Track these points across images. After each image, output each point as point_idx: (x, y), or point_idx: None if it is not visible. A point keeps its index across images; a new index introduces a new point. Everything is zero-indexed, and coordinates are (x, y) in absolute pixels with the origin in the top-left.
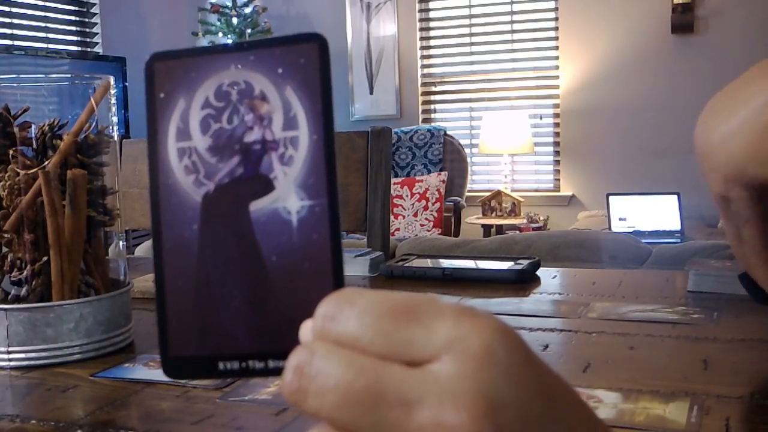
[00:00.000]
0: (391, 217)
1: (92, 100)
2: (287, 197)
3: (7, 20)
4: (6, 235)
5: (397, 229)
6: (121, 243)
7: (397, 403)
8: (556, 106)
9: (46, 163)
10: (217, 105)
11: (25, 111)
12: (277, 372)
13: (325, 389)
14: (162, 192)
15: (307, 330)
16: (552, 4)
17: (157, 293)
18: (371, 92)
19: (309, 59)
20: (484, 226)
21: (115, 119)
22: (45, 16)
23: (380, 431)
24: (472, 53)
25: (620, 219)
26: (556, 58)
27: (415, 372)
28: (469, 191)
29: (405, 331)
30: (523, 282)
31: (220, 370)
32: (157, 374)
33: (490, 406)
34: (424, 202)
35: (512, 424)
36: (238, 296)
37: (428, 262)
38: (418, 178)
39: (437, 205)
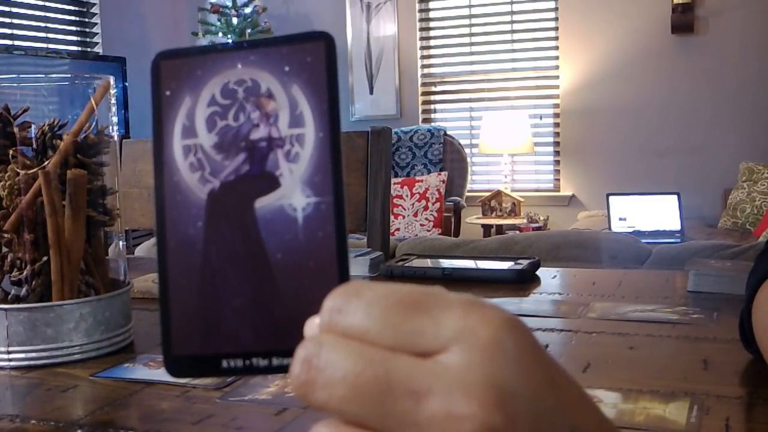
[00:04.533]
0: (391, 217)
1: (92, 100)
2: (293, 194)
3: (7, 20)
4: (6, 235)
5: (397, 229)
6: (121, 243)
7: (406, 394)
8: (556, 106)
9: (46, 163)
10: (224, 102)
11: (25, 111)
12: (281, 370)
13: (333, 381)
14: (167, 189)
15: (311, 326)
16: (552, 4)
17: (161, 291)
18: (371, 92)
19: (316, 57)
20: (484, 226)
21: (115, 119)
22: (45, 16)
23: (389, 423)
24: (472, 53)
25: (620, 219)
26: (556, 58)
27: (424, 363)
28: (469, 191)
29: (413, 322)
30: (523, 282)
31: (223, 368)
32: (157, 374)
33: (501, 396)
34: (424, 202)
35: (522, 414)
36: (243, 294)
37: (428, 262)
38: (418, 178)
39: (437, 205)
